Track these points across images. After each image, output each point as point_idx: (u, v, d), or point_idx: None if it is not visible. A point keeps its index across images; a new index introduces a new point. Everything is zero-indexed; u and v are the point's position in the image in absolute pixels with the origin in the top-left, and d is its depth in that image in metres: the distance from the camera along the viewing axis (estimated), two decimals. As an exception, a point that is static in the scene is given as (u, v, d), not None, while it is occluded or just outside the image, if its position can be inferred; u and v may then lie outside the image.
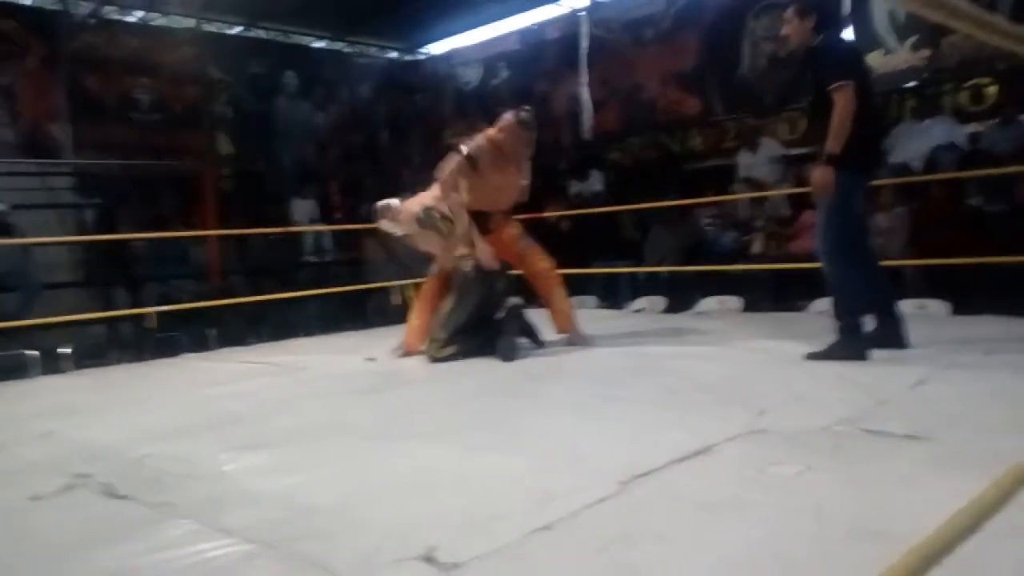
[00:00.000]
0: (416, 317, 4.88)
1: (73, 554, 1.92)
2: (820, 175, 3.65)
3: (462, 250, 4.60)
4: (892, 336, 3.90)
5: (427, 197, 4.88)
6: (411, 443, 2.71)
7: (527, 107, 4.78)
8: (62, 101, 9.24)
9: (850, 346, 3.67)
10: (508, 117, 4.63)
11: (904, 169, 6.85)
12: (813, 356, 3.75)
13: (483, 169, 4.57)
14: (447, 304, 4.62)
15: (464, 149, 4.58)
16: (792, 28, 3.79)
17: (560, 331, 4.91)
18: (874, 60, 8.24)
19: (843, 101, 3.48)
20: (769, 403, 2.88)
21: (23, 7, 9.23)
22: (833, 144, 3.55)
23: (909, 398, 2.91)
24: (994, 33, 1.26)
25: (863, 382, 3.18)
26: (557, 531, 1.79)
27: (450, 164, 4.60)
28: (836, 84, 3.50)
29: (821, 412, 2.69)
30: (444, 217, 4.68)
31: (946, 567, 0.92)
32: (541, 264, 4.92)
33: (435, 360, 4.51)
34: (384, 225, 5.08)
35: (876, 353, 3.82)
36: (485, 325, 4.54)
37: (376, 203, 5.10)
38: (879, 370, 3.42)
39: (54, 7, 9.34)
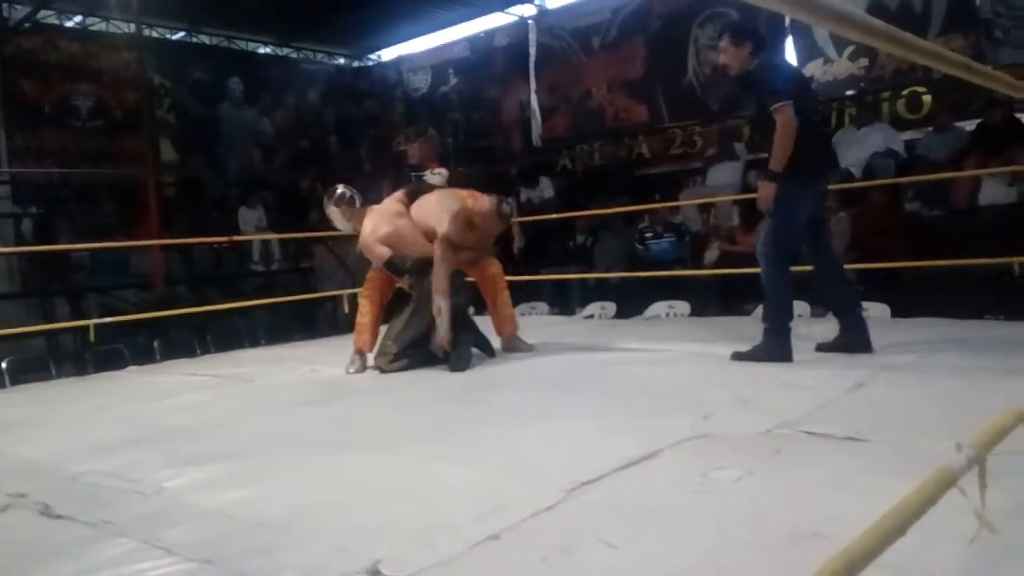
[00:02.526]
0: (365, 316, 4.81)
1: (7, 574, 1.86)
2: (763, 190, 3.82)
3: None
4: (859, 340, 3.98)
5: (388, 210, 4.78)
6: (358, 454, 2.69)
7: (509, 200, 4.82)
8: (-3, 108, 8.98)
9: (775, 348, 3.80)
10: (489, 204, 4.60)
11: (845, 175, 7.03)
12: (738, 356, 3.88)
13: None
14: (401, 318, 4.57)
15: (442, 230, 4.47)
16: (728, 56, 3.91)
17: (502, 335, 4.93)
18: (814, 69, 8.46)
19: (783, 121, 3.58)
20: (713, 407, 2.92)
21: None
22: (775, 163, 3.69)
23: (848, 401, 2.97)
24: (908, 50, 1.31)
25: (804, 385, 3.25)
26: (503, 541, 1.80)
27: (436, 251, 4.48)
28: (776, 105, 3.59)
29: (763, 416, 2.74)
30: (415, 263, 4.59)
31: (871, 572, 0.95)
32: (492, 269, 4.94)
33: (383, 372, 4.47)
34: (332, 212, 4.94)
35: (817, 356, 3.91)
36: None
37: (334, 186, 4.95)
38: (819, 373, 3.50)
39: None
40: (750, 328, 5.37)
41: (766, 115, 3.67)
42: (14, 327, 6.57)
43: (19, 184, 8.96)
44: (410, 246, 4.58)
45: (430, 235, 4.52)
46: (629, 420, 2.88)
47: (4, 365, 5.65)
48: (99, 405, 4.16)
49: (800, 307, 5.77)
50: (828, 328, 5.10)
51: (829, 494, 1.97)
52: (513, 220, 4.93)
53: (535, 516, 1.92)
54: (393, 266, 4.58)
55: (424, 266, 4.47)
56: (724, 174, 8.13)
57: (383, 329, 4.77)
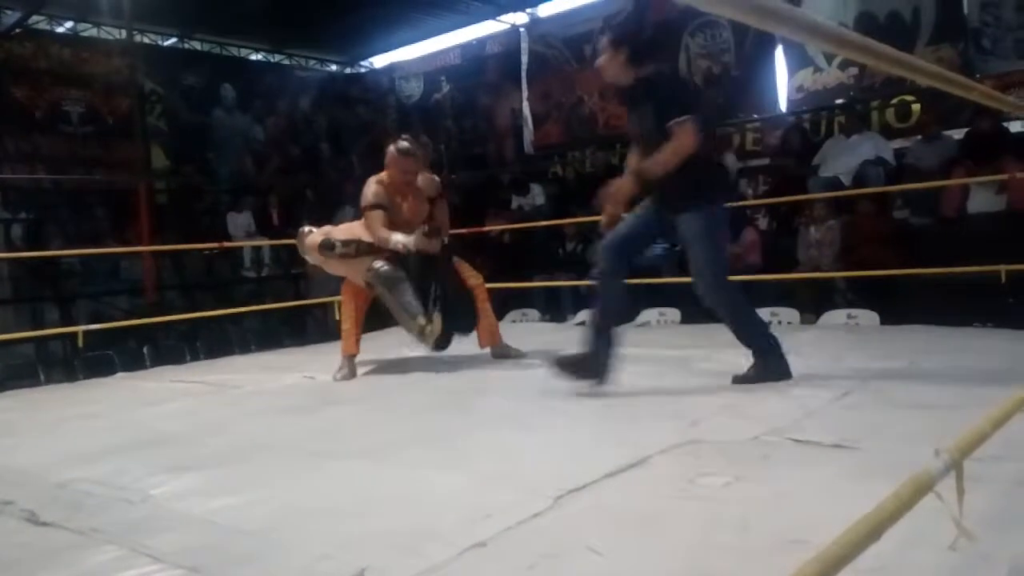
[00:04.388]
0: (346, 320, 4.85)
1: (-9, 585, 1.86)
2: (617, 185, 3.65)
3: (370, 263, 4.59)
4: (780, 367, 3.59)
5: (356, 227, 4.86)
6: (345, 461, 2.69)
7: (404, 135, 4.87)
8: (-12, 113, 8.96)
9: (773, 367, 3.54)
10: (389, 151, 4.68)
11: (834, 183, 7.08)
12: (739, 379, 3.56)
13: (391, 205, 4.66)
14: (393, 300, 4.55)
15: (365, 203, 4.67)
16: (606, 60, 3.66)
17: (486, 345, 4.95)
18: (804, 78, 8.51)
19: (685, 136, 3.34)
20: (701, 414, 2.93)
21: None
22: (653, 165, 3.42)
23: (836, 408, 2.99)
24: (886, 62, 1.32)
25: (792, 393, 3.27)
26: (490, 548, 1.80)
27: (368, 220, 4.66)
28: (682, 119, 3.33)
29: (751, 423, 2.75)
30: (346, 242, 4.68)
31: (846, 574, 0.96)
32: (471, 280, 4.95)
33: (436, 347, 4.52)
34: (302, 253, 5.13)
35: (807, 364, 3.92)
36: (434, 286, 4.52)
37: (300, 229, 5.12)
38: (808, 381, 3.51)
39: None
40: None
41: (662, 126, 3.38)
42: (2, 333, 6.54)
43: (9, 190, 8.94)
44: (343, 232, 4.79)
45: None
46: (617, 427, 2.90)
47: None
48: (87, 412, 4.14)
49: (789, 314, 5.83)
50: (816, 335, 5.14)
51: (815, 500, 1.98)
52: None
53: (522, 523, 1.92)
54: (325, 244, 4.69)
55: (361, 245, 4.60)
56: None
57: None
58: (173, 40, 11.35)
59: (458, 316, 4.60)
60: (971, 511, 1.52)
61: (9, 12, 9.20)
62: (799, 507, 1.94)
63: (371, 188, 4.70)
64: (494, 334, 4.99)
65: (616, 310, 3.75)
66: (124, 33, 9.62)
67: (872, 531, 0.96)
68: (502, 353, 4.92)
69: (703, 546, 1.74)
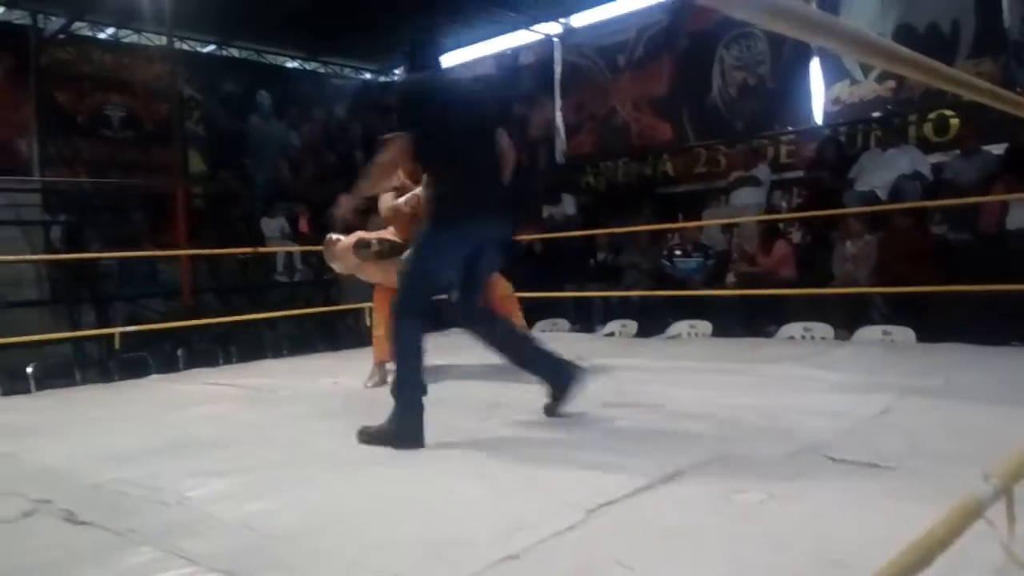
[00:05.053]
0: (379, 327, 4.86)
1: (30, 582, 1.89)
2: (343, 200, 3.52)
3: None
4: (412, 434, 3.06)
5: (385, 232, 4.87)
6: (375, 468, 2.70)
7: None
8: (30, 116, 9.14)
9: (406, 430, 3.01)
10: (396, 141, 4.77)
11: (870, 197, 6.99)
12: (363, 438, 3.07)
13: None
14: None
15: (383, 196, 4.65)
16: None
17: None
18: (841, 91, 8.43)
19: (388, 154, 3.17)
20: (735, 430, 2.91)
21: (-10, 21, 9.18)
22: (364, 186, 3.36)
23: (873, 426, 2.94)
24: (934, 77, 1.30)
25: (828, 410, 3.22)
26: (523, 561, 1.79)
27: (382, 203, 4.66)
28: (391, 136, 3.14)
29: (786, 439, 2.72)
30: (380, 241, 4.69)
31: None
32: (501, 289, 4.96)
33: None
34: (329, 262, 5.12)
35: (842, 379, 3.87)
36: None
37: (327, 237, 5.11)
38: (843, 398, 3.46)
39: (22, 21, 9.26)
40: (769, 349, 5.36)
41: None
42: (41, 333, 6.66)
43: (50, 192, 9.11)
44: (374, 236, 4.73)
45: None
46: (649, 440, 2.87)
47: (30, 370, 5.73)
48: (122, 413, 4.20)
49: (823, 329, 5.76)
50: (851, 351, 5.08)
51: (852, 521, 1.95)
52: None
53: (555, 536, 1.91)
54: (360, 243, 4.65)
55: (394, 244, 4.58)
56: (748, 195, 8.11)
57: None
58: (212, 47, 11.52)
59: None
60: (1022, 537, 1.49)
61: (53, 18, 9.40)
62: (835, 527, 1.91)
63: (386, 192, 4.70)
64: None
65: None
66: (164, 40, 9.81)
67: (923, 557, 0.95)
68: None
69: (737, 564, 1.72)
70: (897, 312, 5.96)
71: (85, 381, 5.98)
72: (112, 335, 6.09)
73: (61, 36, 9.51)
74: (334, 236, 5.10)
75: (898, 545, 1.72)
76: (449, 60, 12.17)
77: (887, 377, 3.94)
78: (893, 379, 3.87)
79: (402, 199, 4.59)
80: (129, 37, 10.57)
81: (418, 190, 4.58)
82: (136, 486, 2.60)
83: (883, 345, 5.34)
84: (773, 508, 2.06)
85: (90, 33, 10.33)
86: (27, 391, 5.57)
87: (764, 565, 1.70)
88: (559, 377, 3.38)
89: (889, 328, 5.59)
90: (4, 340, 6.37)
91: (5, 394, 5.40)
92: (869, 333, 5.63)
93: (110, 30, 10.51)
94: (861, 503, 2.06)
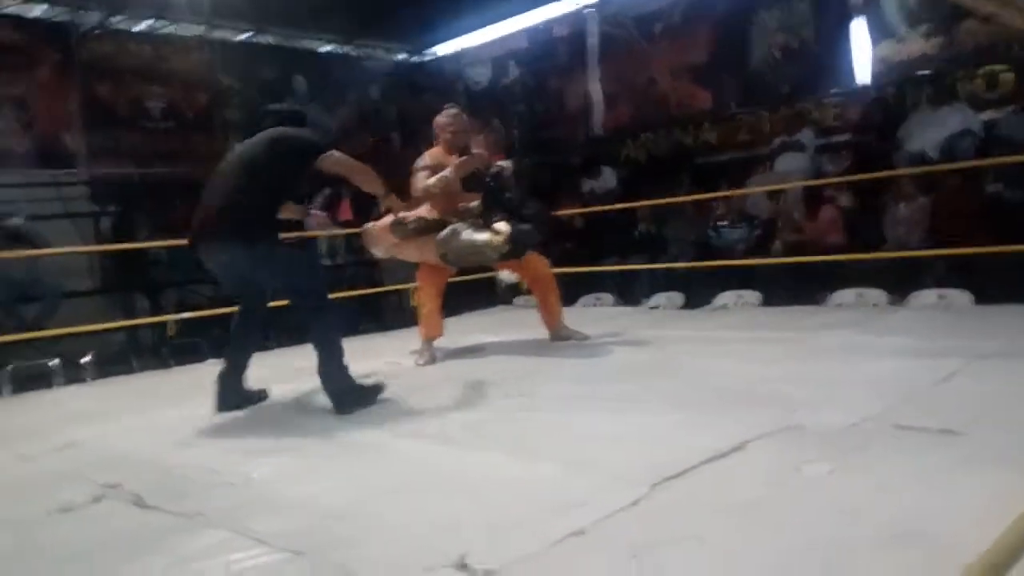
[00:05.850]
0: (425, 304, 4.88)
1: (105, 566, 1.92)
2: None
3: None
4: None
5: (421, 210, 4.87)
6: (433, 446, 2.71)
7: (449, 103, 5.07)
8: (75, 110, 9.28)
9: (360, 394, 3.49)
10: (436, 119, 4.94)
11: (921, 158, 6.80)
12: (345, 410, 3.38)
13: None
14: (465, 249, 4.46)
15: (413, 177, 4.75)
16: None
17: (554, 331, 4.99)
18: (886, 50, 8.18)
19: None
20: (795, 400, 2.85)
21: (31, 19, 9.28)
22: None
23: (939, 393, 2.87)
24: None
25: (890, 377, 3.15)
26: (590, 536, 1.78)
27: (413, 183, 4.73)
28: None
29: (851, 408, 2.66)
30: (417, 218, 4.68)
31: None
32: (540, 269, 4.95)
33: (513, 253, 4.44)
34: (371, 249, 5.14)
35: (901, 343, 3.78)
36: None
37: (364, 227, 5.14)
38: (905, 364, 3.38)
39: (62, 18, 9.38)
40: (821, 316, 5.27)
41: None
42: (95, 323, 6.81)
43: (97, 184, 9.25)
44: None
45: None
46: (707, 413, 2.83)
47: (87, 359, 5.86)
48: (181, 398, 4.27)
49: (875, 295, 5.64)
50: (907, 316, 4.96)
51: (925, 490, 1.90)
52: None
53: (620, 511, 1.89)
54: (396, 222, 4.58)
55: (429, 222, 4.58)
56: (792, 161, 7.93)
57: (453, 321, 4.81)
58: (247, 35, 11.56)
59: (528, 219, 4.58)
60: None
61: (91, 13, 9.50)
62: (910, 496, 1.86)
63: (417, 167, 4.79)
64: (555, 317, 5.00)
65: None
66: (201, 30, 9.87)
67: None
68: (563, 335, 4.93)
69: (810, 536, 1.69)
70: (952, 274, 5.80)
71: (141, 368, 6.10)
72: (164, 322, 6.19)
73: (99, 30, 9.61)
74: (370, 224, 5.13)
75: (976, 514, 1.68)
76: (482, 36, 12.09)
77: (947, 341, 3.84)
78: (953, 343, 3.77)
79: (432, 179, 4.60)
80: (165, 28, 10.65)
81: (447, 171, 4.57)
82: (201, 469, 2.64)
83: (939, 309, 5.21)
84: (843, 479, 2.02)
85: (127, 26, 10.42)
86: (85, 379, 5.71)
87: (839, 537, 1.67)
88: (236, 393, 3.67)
89: (944, 291, 5.46)
90: (62, 331, 6.52)
91: (67, 383, 5.54)
92: (924, 297, 5.50)
93: (147, 22, 10.59)
94: (931, 472, 2.01)
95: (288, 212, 4.11)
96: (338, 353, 3.47)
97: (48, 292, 7.14)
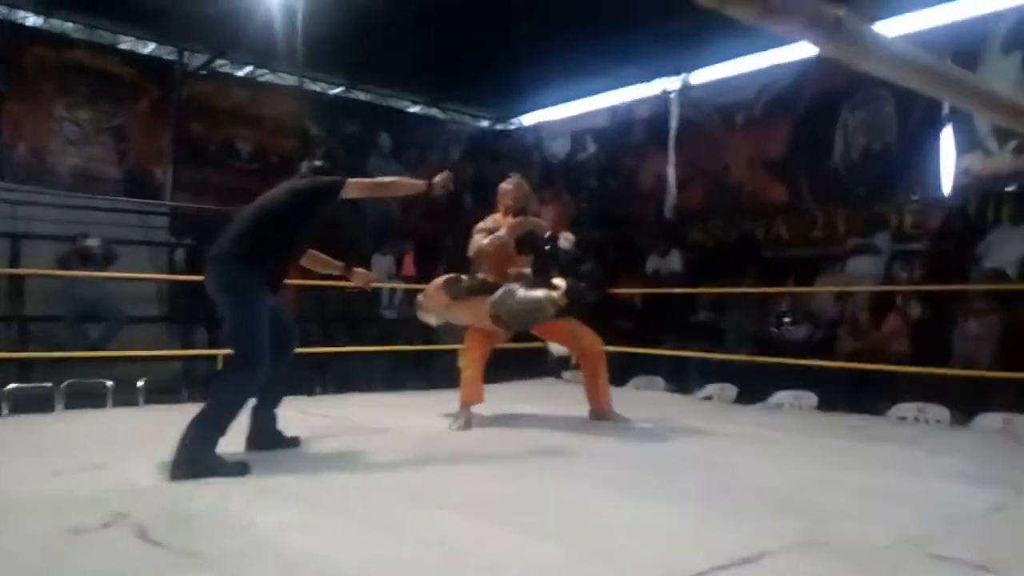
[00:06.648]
0: (468, 368, 4.85)
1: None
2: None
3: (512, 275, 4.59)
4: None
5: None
6: (448, 514, 2.63)
7: (512, 173, 5.27)
8: (167, 145, 9.72)
9: (208, 467, 3.15)
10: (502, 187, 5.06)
11: (998, 275, 6.55)
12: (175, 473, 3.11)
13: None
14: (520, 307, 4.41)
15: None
16: None
17: (596, 410, 4.93)
18: (973, 162, 7.99)
19: None
20: (828, 512, 2.70)
21: (142, 55, 9.83)
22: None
23: (984, 524, 2.68)
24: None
25: (936, 500, 2.97)
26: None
27: (473, 242, 4.85)
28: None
29: (885, 528, 2.50)
30: (471, 277, 4.71)
31: None
32: (592, 345, 4.90)
33: (572, 308, 4.42)
34: (422, 316, 5.18)
35: (952, 466, 3.58)
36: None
37: (417, 299, 5.22)
38: (954, 488, 3.19)
39: (170, 57, 9.90)
40: (879, 428, 5.04)
41: None
42: (154, 349, 6.99)
43: (177, 216, 9.61)
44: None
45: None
46: (731, 514, 2.69)
47: (140, 384, 5.99)
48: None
49: (938, 412, 5.37)
50: (969, 439, 4.71)
51: (951, 630, 1.75)
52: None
53: (619, 608, 1.80)
54: (450, 280, 4.74)
55: (485, 283, 4.59)
56: (865, 264, 7.74)
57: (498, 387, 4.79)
58: (339, 89, 12.01)
59: (583, 276, 4.56)
60: None
61: (198, 55, 10.02)
62: (932, 634, 1.72)
63: (476, 229, 4.92)
64: (604, 400, 4.95)
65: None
66: (296, 80, 10.30)
67: None
68: (604, 416, 4.88)
69: (815, 664, 1.57)
70: (1021, 400, 5.51)
71: (191, 399, 6.19)
72: (217, 355, 6.30)
73: (203, 72, 10.12)
74: (420, 297, 5.19)
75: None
76: (564, 110, 12.31)
77: (1005, 470, 3.61)
78: (1011, 472, 3.55)
79: (486, 240, 4.65)
80: (264, 76, 11.15)
81: (502, 231, 4.62)
82: (213, 508, 2.63)
83: (1004, 434, 4.93)
84: (862, 605, 1.88)
85: (229, 70, 10.94)
86: (135, 404, 5.83)
87: (845, 669, 1.54)
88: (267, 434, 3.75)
89: (1011, 416, 5.17)
90: (119, 352, 6.72)
91: (117, 404, 5.67)
92: (989, 421, 5.22)
93: (247, 68, 11.10)
94: (964, 610, 1.86)
95: (325, 267, 4.20)
96: (220, 419, 3.29)
97: (113, 314, 7.35)
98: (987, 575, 2.11)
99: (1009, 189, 7.69)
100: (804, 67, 9.27)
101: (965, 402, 5.58)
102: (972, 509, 2.83)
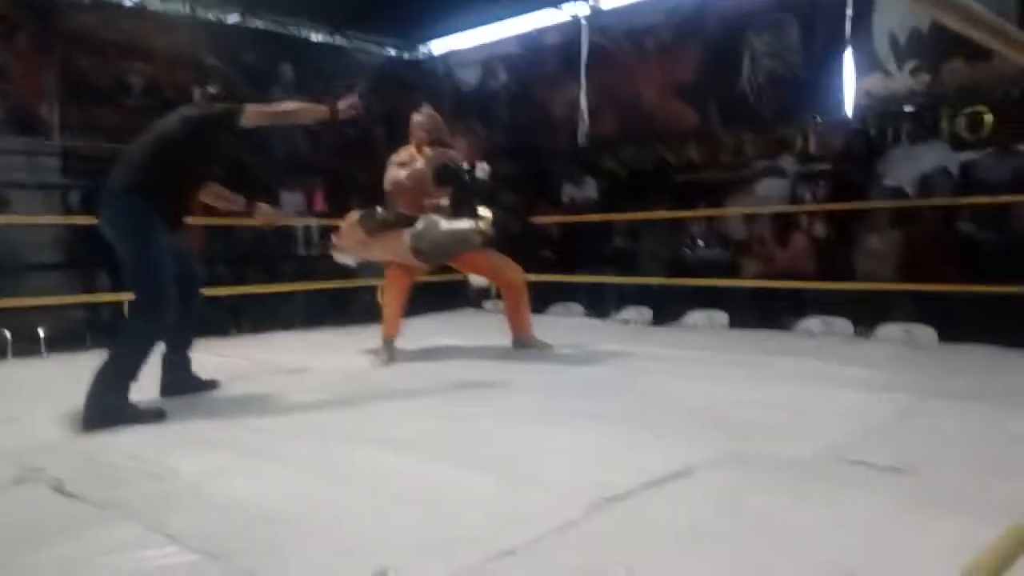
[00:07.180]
0: (389, 304, 4.80)
1: (11, 551, 1.82)
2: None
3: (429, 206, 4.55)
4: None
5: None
6: (375, 452, 2.60)
7: (425, 105, 5.13)
8: (52, 81, 9.09)
9: (122, 415, 3.04)
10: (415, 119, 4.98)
11: (897, 192, 6.82)
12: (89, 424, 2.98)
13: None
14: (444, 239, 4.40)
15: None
16: None
17: (519, 338, 4.98)
18: (873, 83, 8.21)
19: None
20: (749, 427, 2.80)
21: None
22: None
23: (894, 429, 2.83)
24: (1008, 43, 1.17)
25: (847, 409, 3.11)
26: (520, 556, 1.70)
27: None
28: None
29: (804, 440, 2.61)
30: (387, 210, 4.65)
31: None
32: (513, 276, 4.91)
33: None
34: (338, 257, 5.10)
35: (860, 377, 3.76)
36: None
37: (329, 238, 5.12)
38: (864, 396, 3.35)
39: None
40: (788, 342, 5.24)
41: None
42: (55, 296, 6.65)
43: (69, 157, 9.05)
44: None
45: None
46: (658, 434, 2.77)
47: (42, 333, 5.72)
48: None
49: (842, 325, 5.63)
50: (872, 349, 4.95)
51: (870, 529, 1.84)
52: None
53: (555, 532, 1.82)
54: (366, 214, 4.69)
55: (399, 216, 4.55)
56: (772, 186, 7.93)
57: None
58: (236, 18, 11.42)
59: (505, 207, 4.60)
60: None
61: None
62: (852, 535, 1.81)
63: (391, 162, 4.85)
64: (526, 327, 4.99)
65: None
66: (188, 9, 9.72)
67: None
68: (525, 343, 4.94)
69: (747, 571, 1.63)
70: (920, 311, 5.81)
71: (95, 346, 5.94)
72: (121, 301, 6.04)
73: (85, 1, 9.44)
74: (333, 237, 5.08)
75: (920, 558, 1.63)
76: (474, 37, 12.04)
77: (909, 377, 3.82)
78: (915, 379, 3.75)
79: (403, 172, 4.57)
80: (153, 5, 10.49)
81: (419, 163, 4.54)
82: (129, 457, 2.54)
83: (904, 344, 5.20)
84: (788, 512, 1.96)
85: (115, 0, 10.25)
86: (39, 353, 5.57)
87: (777, 573, 1.61)
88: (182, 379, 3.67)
89: (910, 327, 5.46)
90: (19, 302, 6.36)
91: (16, 355, 5.40)
92: (890, 331, 5.50)
93: (137, -4, 10.42)
94: (880, 511, 1.96)
95: (226, 203, 4.03)
96: (129, 365, 3.15)
97: (7, 262, 6.95)
98: (900, 476, 2.23)
99: (908, 109, 7.95)
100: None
101: (867, 315, 5.86)
102: (882, 415, 2.98)
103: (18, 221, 7.17)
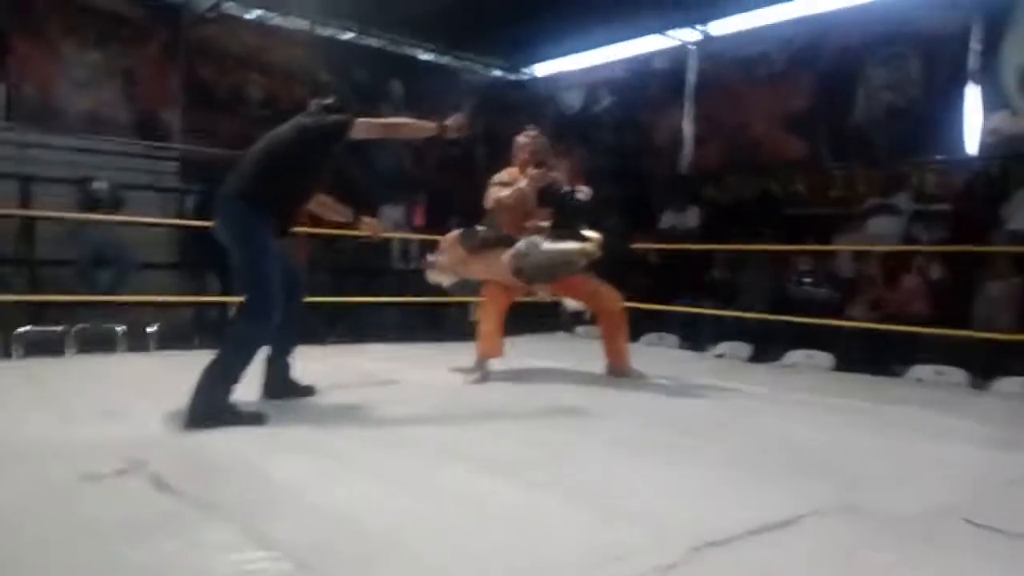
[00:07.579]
0: (487, 322, 4.78)
1: (108, 543, 1.86)
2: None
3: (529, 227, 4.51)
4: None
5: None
6: (471, 472, 2.56)
7: (530, 126, 5.12)
8: (176, 89, 9.55)
9: (223, 417, 3.09)
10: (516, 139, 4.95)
11: (1021, 238, 6.43)
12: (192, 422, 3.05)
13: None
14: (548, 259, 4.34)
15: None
16: None
17: (615, 367, 4.89)
18: (1000, 121, 7.80)
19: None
20: (861, 477, 2.64)
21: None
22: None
23: (1012, 491, 2.61)
24: None
25: (967, 465, 2.91)
26: (617, 595, 1.63)
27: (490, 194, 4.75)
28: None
29: (921, 494, 2.44)
30: (488, 229, 4.64)
31: None
32: (612, 303, 4.83)
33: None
34: (432, 277, 5.15)
35: (978, 432, 3.52)
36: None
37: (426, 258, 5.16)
38: (985, 453, 3.13)
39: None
40: (897, 390, 4.97)
41: None
42: (166, 295, 6.94)
43: (186, 163, 9.46)
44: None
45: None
46: (759, 477, 2.63)
47: (151, 331, 5.97)
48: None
49: (956, 375, 5.30)
50: (993, 403, 4.64)
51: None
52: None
53: (653, 572, 1.74)
54: (466, 233, 4.69)
55: (500, 236, 4.54)
56: (885, 224, 7.60)
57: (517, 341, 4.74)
58: (350, 35, 11.77)
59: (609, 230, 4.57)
60: None
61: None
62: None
63: (492, 182, 4.85)
64: (622, 359, 4.91)
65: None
66: (306, 24, 10.08)
67: None
68: (622, 372, 4.85)
69: (862, 635, 1.51)
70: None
71: (203, 346, 6.15)
72: (228, 303, 6.24)
73: (211, 14, 9.90)
74: (430, 258, 5.13)
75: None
76: (579, 61, 12.06)
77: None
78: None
79: (506, 192, 4.56)
80: (274, 20, 10.91)
81: (522, 183, 4.52)
82: (229, 457, 2.58)
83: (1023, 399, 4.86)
84: (904, 572, 1.82)
85: (238, 13, 10.71)
86: (147, 350, 5.80)
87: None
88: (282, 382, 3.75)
89: (1025, 379, 5.10)
90: (131, 298, 6.66)
91: (129, 350, 5.64)
92: (1009, 385, 5.14)
93: (257, 12, 10.87)
94: (1006, 579, 1.80)
95: (334, 214, 4.10)
96: (234, 367, 3.22)
97: (123, 260, 7.28)
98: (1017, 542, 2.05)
99: (1036, 150, 7.52)
100: (827, 20, 9.03)
101: (984, 365, 5.51)
102: (1006, 475, 2.77)
103: (134, 221, 7.50)
